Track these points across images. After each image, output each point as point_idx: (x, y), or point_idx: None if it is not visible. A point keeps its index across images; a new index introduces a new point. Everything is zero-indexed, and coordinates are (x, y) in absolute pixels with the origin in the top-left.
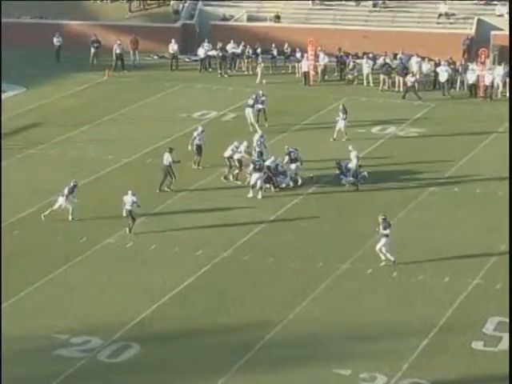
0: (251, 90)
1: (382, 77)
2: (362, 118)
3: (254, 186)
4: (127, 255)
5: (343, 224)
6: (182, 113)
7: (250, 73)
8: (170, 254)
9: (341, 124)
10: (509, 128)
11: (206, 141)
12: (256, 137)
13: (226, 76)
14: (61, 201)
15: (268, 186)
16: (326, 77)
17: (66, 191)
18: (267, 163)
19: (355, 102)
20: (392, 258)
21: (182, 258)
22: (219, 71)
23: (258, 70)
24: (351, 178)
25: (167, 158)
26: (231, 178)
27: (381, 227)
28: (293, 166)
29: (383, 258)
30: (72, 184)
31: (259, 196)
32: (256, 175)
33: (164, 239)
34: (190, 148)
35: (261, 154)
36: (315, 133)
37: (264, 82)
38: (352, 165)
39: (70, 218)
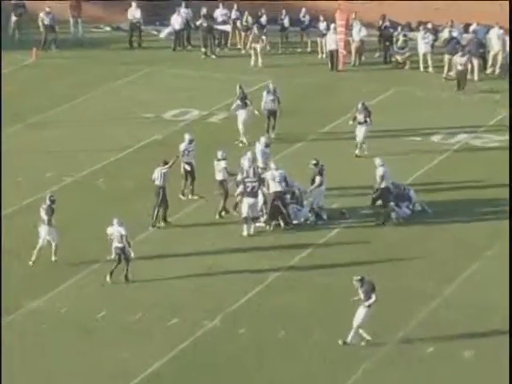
0: (251, 78)
1: (446, 58)
2: (417, 120)
3: (247, 220)
4: (62, 325)
5: (388, 279)
6: (148, 111)
7: (250, 52)
8: (129, 325)
9: (361, 130)
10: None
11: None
12: (259, 147)
13: (213, 56)
14: (44, 232)
15: (275, 221)
16: (363, 58)
17: (44, 214)
18: (280, 187)
19: (407, 96)
20: (368, 338)
21: (146, 330)
22: (203, 49)
23: (258, 47)
24: (408, 211)
25: (160, 176)
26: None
27: (360, 293)
28: (319, 192)
29: (350, 339)
30: (48, 201)
31: (251, 231)
32: (250, 200)
33: (120, 301)
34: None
35: (264, 170)
36: (342, 144)
37: (260, 64)
38: (413, 193)
39: (54, 258)
